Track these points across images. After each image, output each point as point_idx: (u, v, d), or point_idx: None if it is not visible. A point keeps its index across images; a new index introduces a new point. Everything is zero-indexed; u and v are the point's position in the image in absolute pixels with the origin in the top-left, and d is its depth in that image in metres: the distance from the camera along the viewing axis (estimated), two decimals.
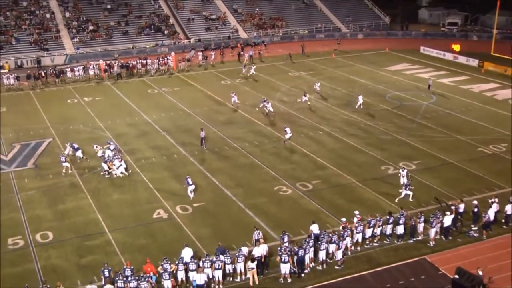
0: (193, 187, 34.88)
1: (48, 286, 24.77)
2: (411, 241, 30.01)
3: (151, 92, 59.66)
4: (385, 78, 63.18)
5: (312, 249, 27.71)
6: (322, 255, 27.81)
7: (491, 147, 42.44)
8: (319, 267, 27.90)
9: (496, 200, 31.43)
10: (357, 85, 59.91)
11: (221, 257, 26.65)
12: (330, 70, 67.34)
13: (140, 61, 68.31)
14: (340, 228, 29.65)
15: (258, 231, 29.07)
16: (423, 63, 70.51)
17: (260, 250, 27.38)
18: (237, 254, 26.97)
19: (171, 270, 26.00)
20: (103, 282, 25.84)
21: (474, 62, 68.75)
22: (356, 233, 29.30)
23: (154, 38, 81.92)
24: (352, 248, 29.20)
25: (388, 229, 30.03)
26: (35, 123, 49.70)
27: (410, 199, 33.89)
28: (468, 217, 31.42)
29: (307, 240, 27.87)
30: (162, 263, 26.01)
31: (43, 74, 63.70)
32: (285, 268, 26.73)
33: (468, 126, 47.21)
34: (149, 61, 68.43)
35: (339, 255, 27.97)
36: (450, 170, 38.76)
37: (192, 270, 26.16)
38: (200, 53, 72.68)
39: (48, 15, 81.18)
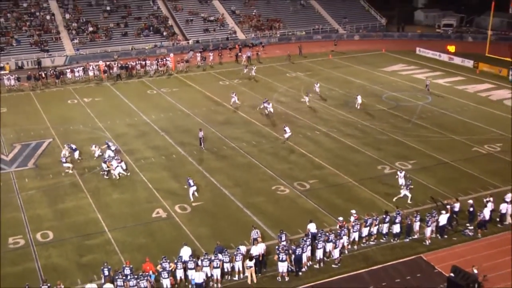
0: (194, 188, 34.83)
1: (49, 285, 24.76)
2: (407, 240, 30.04)
3: (150, 92, 59.64)
4: (382, 79, 63.22)
5: (309, 247, 27.71)
6: (319, 253, 27.82)
7: (486, 147, 42.49)
8: (317, 266, 27.93)
9: (491, 199, 31.49)
10: (354, 86, 59.93)
11: (220, 255, 26.67)
12: (327, 71, 67.35)
13: (139, 62, 68.25)
14: (337, 227, 29.69)
15: (256, 230, 29.10)
16: (419, 64, 70.54)
17: (258, 249, 27.39)
18: (235, 253, 27.00)
19: (170, 268, 26.01)
20: (103, 281, 25.85)
21: (469, 63, 68.78)
22: (353, 232, 29.32)
23: (153, 39, 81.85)
24: (349, 246, 29.23)
25: (385, 228, 30.04)
26: (36, 124, 49.66)
27: (409, 201, 33.86)
28: (463, 216, 31.48)
29: (305, 239, 27.89)
30: (161, 262, 26.03)
31: (43, 75, 63.62)
32: (282, 267, 26.74)
33: (463, 126, 47.26)
34: (148, 62, 68.39)
35: (336, 253, 28.01)
36: (446, 170, 38.79)
37: (191, 269, 26.18)
38: (198, 54, 72.61)
39: (48, 17, 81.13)
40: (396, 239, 29.96)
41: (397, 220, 29.78)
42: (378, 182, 36.85)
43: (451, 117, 49.47)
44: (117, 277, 25.29)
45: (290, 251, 27.13)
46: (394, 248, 29.44)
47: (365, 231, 29.66)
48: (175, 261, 26.58)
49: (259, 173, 38.77)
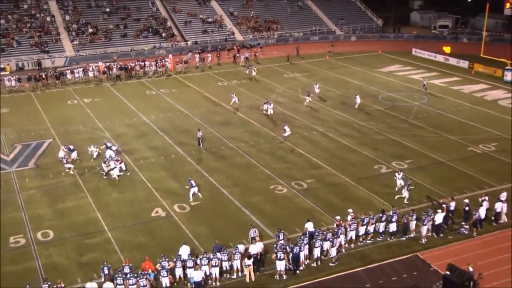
0: (196, 188, 34.77)
1: (49, 283, 24.72)
2: (404, 238, 30.04)
3: (149, 93, 59.60)
4: (378, 79, 63.25)
5: (307, 246, 27.71)
6: (316, 252, 27.83)
7: (481, 147, 42.53)
8: (314, 264, 27.93)
9: (487, 198, 31.49)
10: (351, 86, 59.95)
11: (218, 254, 26.66)
12: (324, 72, 67.38)
13: (139, 63, 68.23)
14: (334, 226, 29.71)
15: (254, 229, 29.12)
16: (415, 65, 70.60)
17: (256, 248, 27.39)
18: (233, 252, 26.99)
19: (169, 267, 26.00)
20: (102, 280, 25.82)
21: (464, 64, 68.86)
22: (350, 230, 29.32)
23: (152, 40, 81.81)
24: (346, 245, 29.21)
25: (381, 226, 30.07)
26: (36, 124, 49.61)
27: (406, 201, 33.86)
28: (459, 215, 31.50)
29: (302, 237, 27.89)
30: (160, 260, 26.03)
31: (43, 76, 63.58)
32: (280, 265, 26.74)
33: (458, 126, 47.30)
34: (147, 63, 68.40)
35: (333, 252, 28.01)
36: (441, 169, 38.82)
37: (190, 267, 26.18)
38: (197, 55, 72.58)
39: (48, 18, 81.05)
40: (392, 237, 29.98)
41: (393, 219, 29.81)
42: (374, 182, 36.86)
43: (446, 117, 49.51)
44: (116, 275, 25.28)
45: (288, 250, 27.11)
46: (391, 247, 29.45)
47: (362, 230, 29.68)
48: (174, 259, 26.56)
49: (257, 173, 38.77)
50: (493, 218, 31.42)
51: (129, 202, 34.78)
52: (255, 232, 28.91)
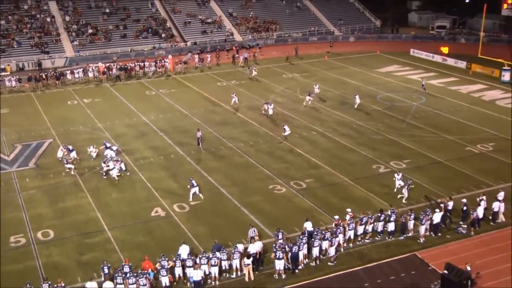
0: (197, 188, 34.73)
1: (49, 282, 24.69)
2: (402, 237, 30.06)
3: (149, 93, 59.59)
4: (376, 80, 63.27)
5: (305, 246, 27.71)
6: (315, 251, 27.84)
7: (479, 146, 42.55)
8: (313, 263, 27.93)
9: (484, 197, 31.50)
10: (349, 87, 59.96)
11: (217, 254, 26.65)
12: (323, 72, 67.38)
13: (138, 63, 68.19)
14: (333, 225, 29.70)
15: (253, 229, 29.12)
16: (413, 65, 70.62)
17: (255, 247, 27.39)
18: (233, 251, 26.97)
19: (169, 266, 25.98)
20: (102, 279, 25.81)
21: (462, 64, 68.87)
22: (349, 230, 29.33)
23: (151, 41, 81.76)
24: (345, 244, 29.23)
25: (380, 226, 30.08)
26: (36, 124, 49.58)
27: (404, 200, 33.87)
28: (456, 214, 31.51)
29: (301, 237, 27.89)
30: (160, 260, 26.01)
31: (44, 76, 63.54)
32: (279, 265, 26.73)
33: (456, 126, 47.31)
34: (146, 63, 68.34)
35: (332, 251, 28.00)
36: (439, 169, 38.83)
37: (189, 267, 26.18)
38: (196, 56, 72.53)
39: (48, 19, 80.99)
40: (391, 237, 29.98)
41: (391, 219, 29.82)
42: (373, 181, 36.86)
43: (444, 117, 49.53)
44: (116, 275, 25.27)
45: (287, 249, 27.11)
46: (389, 246, 29.45)
47: (360, 229, 29.69)
48: (174, 259, 26.54)
49: (256, 173, 38.76)
50: (490, 217, 31.43)
51: (129, 202, 34.77)
52: (254, 231, 28.92)
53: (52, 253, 29.29)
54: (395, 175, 35.51)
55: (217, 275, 26.50)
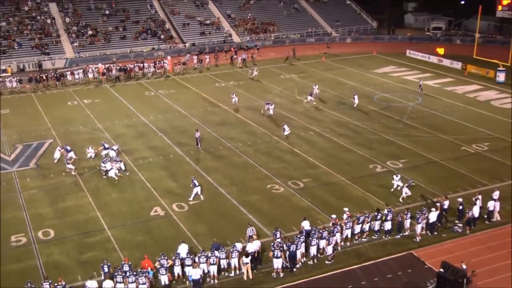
0: (199, 188, 34.69)
1: (50, 281, 24.65)
2: (398, 236, 30.07)
3: (148, 94, 59.56)
4: (373, 80, 63.30)
5: (303, 244, 27.69)
6: (313, 250, 27.81)
7: (474, 146, 42.58)
8: (310, 262, 27.91)
9: (480, 197, 31.50)
10: (346, 87, 59.97)
11: (216, 252, 26.62)
12: (321, 73, 67.40)
13: (137, 64, 68.16)
14: (330, 224, 29.68)
15: (251, 228, 29.09)
16: (409, 66, 70.65)
17: (254, 246, 27.36)
18: (231, 250, 26.95)
19: (168, 265, 25.97)
20: (102, 278, 25.75)
21: (457, 65, 68.92)
22: (346, 229, 29.32)
23: (150, 42, 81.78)
24: (342, 243, 29.23)
25: (376, 225, 30.07)
26: (37, 125, 49.55)
27: (400, 199, 33.87)
28: (452, 213, 31.50)
29: (299, 236, 27.88)
30: (159, 258, 25.98)
31: (44, 77, 63.52)
32: (277, 263, 26.73)
33: (452, 126, 47.34)
34: (146, 64, 68.30)
35: (329, 250, 27.99)
36: (435, 168, 38.85)
37: (188, 265, 26.14)
38: (195, 57, 72.57)
39: (49, 21, 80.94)
40: (387, 236, 29.99)
41: (388, 218, 29.82)
42: (370, 181, 36.86)
43: (440, 117, 49.56)
44: (116, 273, 25.25)
45: (285, 248, 27.11)
46: (386, 245, 29.46)
47: (357, 228, 29.66)
48: (173, 258, 26.53)
49: (255, 172, 38.75)
50: (485, 216, 31.46)
51: (129, 202, 34.74)
52: (252, 230, 28.89)
53: (53, 252, 29.26)
54: (394, 176, 35.44)
55: (215, 273, 26.49)
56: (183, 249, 27.19)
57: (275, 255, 26.59)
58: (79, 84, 64.39)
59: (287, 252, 27.09)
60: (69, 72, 65.72)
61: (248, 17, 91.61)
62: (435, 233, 30.22)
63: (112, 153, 39.99)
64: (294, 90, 59.28)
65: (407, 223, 30.21)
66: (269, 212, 33.02)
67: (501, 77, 61.38)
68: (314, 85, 57.12)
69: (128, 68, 66.88)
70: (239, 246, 27.38)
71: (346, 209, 30.74)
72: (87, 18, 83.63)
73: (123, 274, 25.13)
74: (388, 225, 29.85)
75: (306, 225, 29.27)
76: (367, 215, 30.03)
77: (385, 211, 30.17)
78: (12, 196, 35.75)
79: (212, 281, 26.48)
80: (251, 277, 26.73)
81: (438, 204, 31.07)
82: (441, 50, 75.05)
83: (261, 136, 45.44)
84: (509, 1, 66.27)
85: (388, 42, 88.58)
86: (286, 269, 27.18)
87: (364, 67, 69.81)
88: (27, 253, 29.23)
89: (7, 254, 29.07)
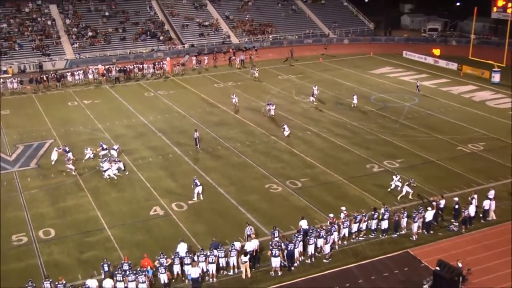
0: (200, 188, 34.66)
1: (50, 280, 24.65)
2: (395, 235, 30.06)
3: (148, 95, 59.53)
4: (370, 81, 63.32)
5: (301, 243, 27.68)
6: (310, 249, 27.81)
7: (470, 146, 42.61)
8: (308, 261, 27.90)
9: (475, 196, 31.52)
10: (343, 88, 59.99)
11: (215, 251, 26.62)
12: (318, 74, 67.41)
13: (137, 65, 68.14)
14: (328, 223, 29.69)
15: (250, 227, 29.08)
16: (405, 67, 70.69)
17: (252, 245, 27.35)
18: (230, 249, 26.94)
19: (167, 264, 25.95)
20: (102, 276, 25.75)
21: (453, 66, 68.96)
22: (343, 228, 29.32)
23: (150, 43, 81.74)
24: (339, 242, 29.23)
25: (373, 224, 30.08)
26: (38, 125, 49.50)
27: (398, 198, 33.86)
28: (448, 213, 31.53)
29: (297, 235, 27.86)
30: (159, 257, 25.96)
31: (44, 78, 63.47)
32: (275, 262, 26.73)
33: (448, 126, 47.36)
34: (145, 65, 68.27)
35: (327, 249, 27.99)
36: (431, 168, 38.87)
37: (187, 264, 26.13)
38: (194, 58, 72.57)
39: (49, 22, 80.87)
40: (384, 234, 29.98)
41: (385, 217, 29.82)
42: (367, 180, 36.87)
43: (436, 118, 49.59)
44: (116, 272, 25.23)
45: (283, 247, 27.10)
46: (383, 244, 29.46)
47: (354, 227, 29.67)
48: (172, 256, 26.52)
49: (253, 172, 38.74)
50: (481, 215, 31.48)
51: (128, 201, 34.72)
52: (251, 229, 28.88)
53: (53, 251, 29.23)
54: (393, 177, 35.37)
55: (214, 272, 26.46)
56: (182, 248, 27.18)
57: (273, 254, 26.59)
58: (79, 85, 64.36)
59: (285, 251, 27.08)
60: (70, 73, 65.71)
61: (246, 18, 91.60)
62: (431, 232, 30.23)
63: (114, 153, 40.02)
64: (292, 90, 59.28)
65: (404, 222, 30.22)
66: (267, 212, 33.01)
67: (496, 77, 61.45)
68: (314, 86, 57.08)
69: (128, 69, 66.88)
70: (237, 245, 27.36)
71: (343, 208, 30.76)
72: (87, 19, 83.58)
73: (123, 273, 25.11)
74: (385, 224, 29.85)
75: (304, 224, 29.26)
76: (364, 214, 30.00)
77: (382, 210, 30.17)
78: (13, 196, 35.72)
79: (211, 279, 26.47)
80: (249, 275, 26.71)
81: (434, 203, 31.09)
82: (437, 51, 75.10)
83: (259, 136, 45.43)
84: (504, 2, 66.25)
85: (384, 43, 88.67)
86: (284, 267, 27.17)
87: (361, 68, 69.84)
88: (28, 252, 29.20)
89: (8, 253, 29.05)
